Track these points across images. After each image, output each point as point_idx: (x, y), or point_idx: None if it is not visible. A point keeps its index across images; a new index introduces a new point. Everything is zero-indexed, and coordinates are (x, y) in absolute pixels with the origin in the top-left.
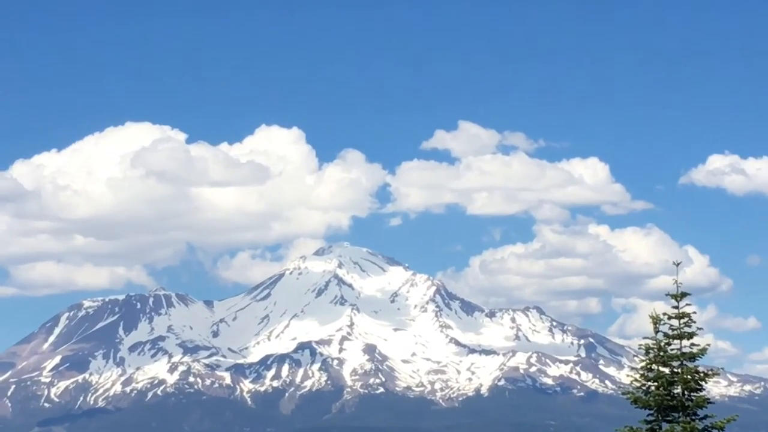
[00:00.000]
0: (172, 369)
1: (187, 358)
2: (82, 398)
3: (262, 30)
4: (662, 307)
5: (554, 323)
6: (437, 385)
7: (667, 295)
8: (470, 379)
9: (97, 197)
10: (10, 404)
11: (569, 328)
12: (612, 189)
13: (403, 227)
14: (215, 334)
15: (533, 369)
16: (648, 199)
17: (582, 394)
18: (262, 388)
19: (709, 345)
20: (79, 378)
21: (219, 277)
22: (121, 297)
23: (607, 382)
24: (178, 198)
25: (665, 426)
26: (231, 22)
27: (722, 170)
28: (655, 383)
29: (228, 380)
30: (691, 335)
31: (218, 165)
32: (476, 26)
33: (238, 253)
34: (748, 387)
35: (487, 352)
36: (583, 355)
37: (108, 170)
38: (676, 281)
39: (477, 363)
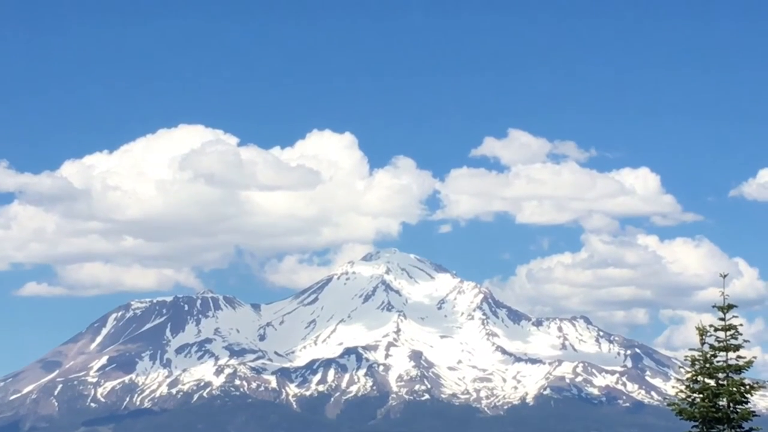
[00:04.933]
0: (219, 371)
1: (233, 361)
2: (128, 399)
3: (316, 36)
4: (710, 319)
5: (601, 333)
6: (483, 393)
7: (713, 306)
8: (516, 388)
9: (147, 199)
10: (56, 403)
11: (616, 338)
12: (662, 200)
13: (452, 234)
14: (262, 338)
15: (579, 379)
16: (698, 211)
17: (628, 404)
18: (308, 393)
19: (755, 357)
20: (126, 379)
21: (267, 281)
22: (168, 299)
23: (653, 393)
24: (227, 201)
25: None
26: (286, 28)
27: None
28: (701, 395)
29: (274, 384)
30: (737, 347)
31: (268, 169)
32: (527, 34)
33: (285, 257)
34: None
35: (533, 360)
36: (630, 365)
37: (158, 172)
38: (722, 293)
39: (523, 371)
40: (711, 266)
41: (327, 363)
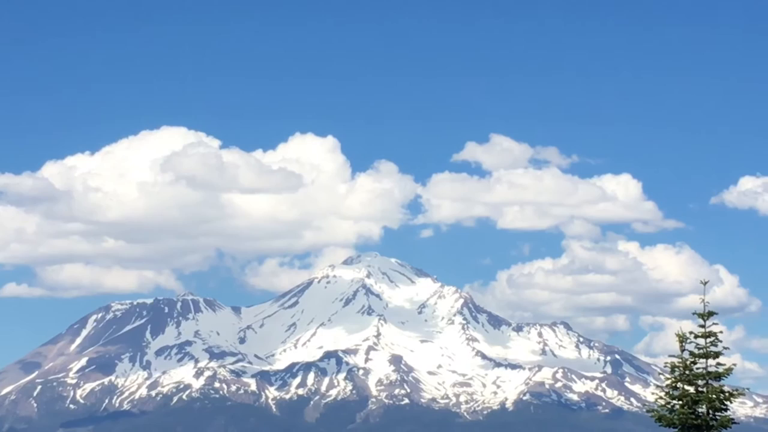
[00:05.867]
0: (198, 374)
1: (213, 364)
2: (107, 401)
3: (300, 39)
4: (690, 326)
5: (581, 339)
6: (462, 398)
7: (693, 313)
8: (495, 393)
9: (128, 200)
10: (35, 405)
11: (596, 344)
12: (644, 207)
13: (434, 239)
14: (242, 341)
15: (559, 384)
16: (679, 218)
17: (607, 410)
18: (287, 396)
19: (735, 365)
20: (105, 380)
21: (247, 284)
22: (149, 301)
23: (632, 399)
24: (208, 204)
25: None
26: (270, 31)
27: (754, 191)
28: (680, 402)
29: (253, 387)
30: (717, 354)
31: (250, 171)
32: (510, 40)
33: (266, 260)
34: None
35: (513, 366)
36: (609, 371)
37: (139, 174)
38: (703, 300)
39: (503, 377)
40: (691, 273)
41: (307, 366)
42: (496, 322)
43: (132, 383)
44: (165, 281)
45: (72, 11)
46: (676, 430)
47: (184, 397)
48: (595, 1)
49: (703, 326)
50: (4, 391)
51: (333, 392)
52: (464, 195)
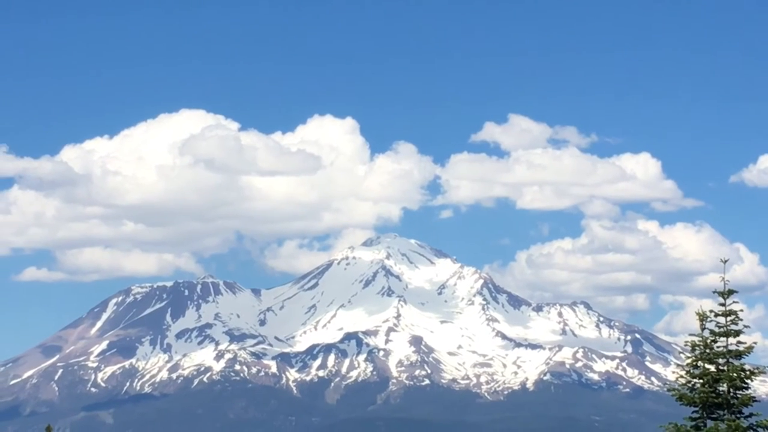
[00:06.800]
0: (219, 356)
1: (233, 346)
2: (128, 384)
3: (319, 22)
4: (710, 305)
5: (601, 319)
6: (483, 379)
7: (714, 292)
8: (516, 373)
9: (147, 184)
10: (56, 388)
11: (616, 323)
12: (663, 186)
13: (453, 220)
14: (262, 323)
15: (579, 364)
16: (699, 197)
17: (628, 390)
18: (308, 378)
19: (756, 343)
20: (126, 363)
21: (267, 266)
22: (169, 284)
23: (653, 378)
24: (227, 186)
25: (710, 423)
26: (290, 14)
27: None
28: (701, 380)
29: (274, 369)
30: (737, 333)
31: (269, 154)
32: (529, 19)
33: (286, 242)
34: None
35: (534, 346)
36: (630, 351)
37: (158, 157)
38: (723, 278)
39: (523, 357)
40: (711, 252)
41: (327, 348)
42: (515, 302)
43: (153, 366)
44: (185, 264)
45: None
46: (697, 408)
47: (204, 379)
48: None
49: (723, 305)
50: (26, 375)
51: (353, 374)
52: (483, 175)
